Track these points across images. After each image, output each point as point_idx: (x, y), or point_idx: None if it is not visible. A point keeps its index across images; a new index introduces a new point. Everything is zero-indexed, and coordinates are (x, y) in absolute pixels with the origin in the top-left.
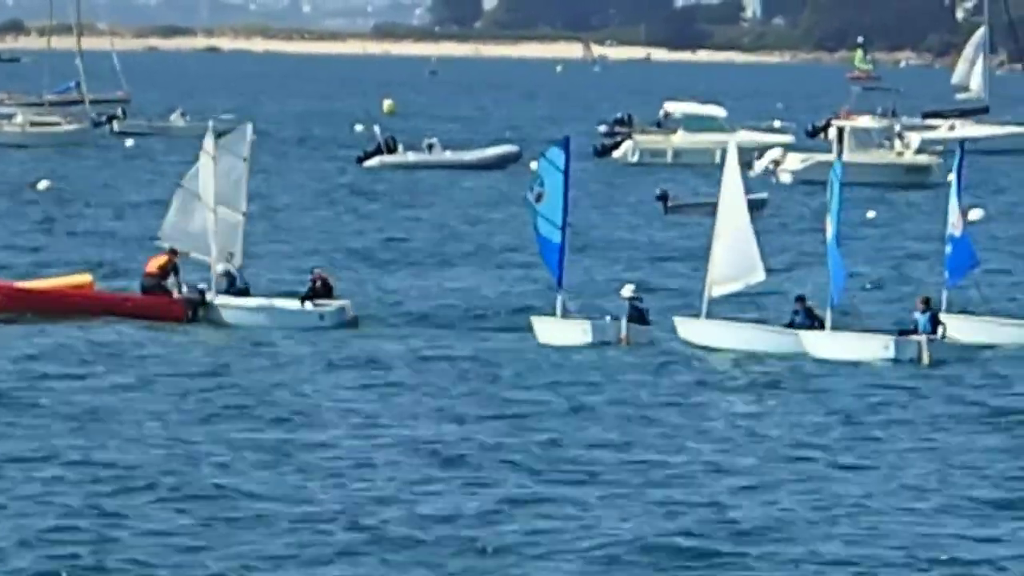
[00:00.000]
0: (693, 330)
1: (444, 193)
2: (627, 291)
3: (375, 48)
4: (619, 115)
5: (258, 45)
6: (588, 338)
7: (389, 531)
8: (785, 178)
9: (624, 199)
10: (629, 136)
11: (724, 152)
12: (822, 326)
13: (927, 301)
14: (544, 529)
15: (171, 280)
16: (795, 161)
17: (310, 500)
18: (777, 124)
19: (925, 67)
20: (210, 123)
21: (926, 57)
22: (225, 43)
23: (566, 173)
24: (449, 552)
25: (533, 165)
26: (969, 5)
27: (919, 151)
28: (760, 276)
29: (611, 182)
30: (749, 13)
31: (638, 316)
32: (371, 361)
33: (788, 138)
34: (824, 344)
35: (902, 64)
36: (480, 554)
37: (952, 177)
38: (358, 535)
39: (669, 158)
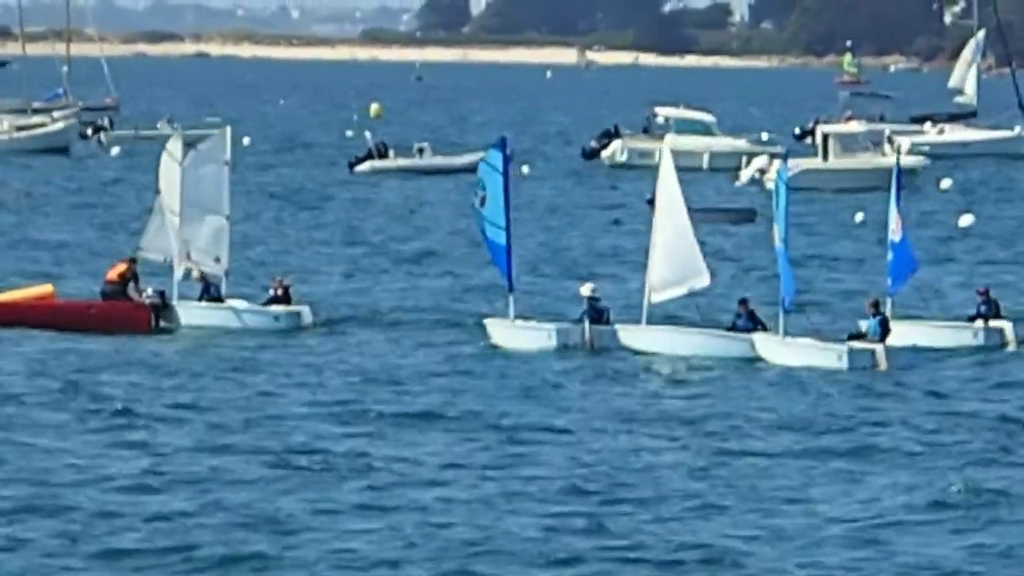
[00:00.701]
0: (634, 337)
1: (432, 197)
2: (586, 289)
3: (363, 53)
4: (607, 128)
5: (246, 51)
6: (552, 343)
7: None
8: (771, 186)
9: (611, 202)
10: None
11: (712, 156)
12: (764, 329)
13: (876, 304)
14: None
15: (131, 287)
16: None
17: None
18: (765, 136)
19: (913, 71)
20: (177, 127)
21: (914, 61)
22: (214, 49)
23: (505, 174)
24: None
25: (525, 170)
26: (957, 9)
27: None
28: (705, 280)
29: (600, 184)
30: (737, 17)
31: (598, 316)
32: (309, 365)
33: (777, 148)
34: (777, 350)
35: (891, 69)
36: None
37: (893, 185)
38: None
39: (656, 159)
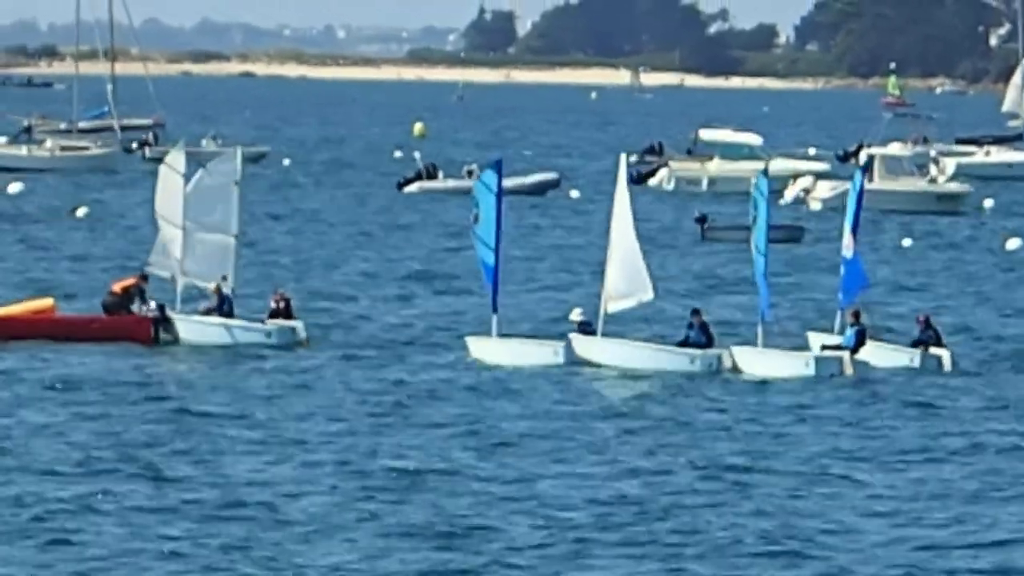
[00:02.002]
0: (588, 349)
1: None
2: (576, 315)
3: (409, 74)
4: (649, 143)
5: (292, 70)
6: (555, 360)
7: None
8: (815, 206)
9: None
10: (664, 164)
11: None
12: (712, 343)
13: (857, 315)
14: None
15: (136, 305)
16: (825, 189)
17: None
18: (812, 151)
19: (958, 93)
20: (181, 143)
21: (959, 84)
22: (260, 68)
23: (499, 195)
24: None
25: (574, 194)
26: (1003, 32)
27: (953, 178)
28: (649, 294)
29: (649, 209)
30: (782, 39)
31: (590, 332)
32: (297, 383)
33: (823, 165)
34: (747, 360)
35: (937, 91)
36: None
37: (850, 200)
38: None
39: (704, 186)
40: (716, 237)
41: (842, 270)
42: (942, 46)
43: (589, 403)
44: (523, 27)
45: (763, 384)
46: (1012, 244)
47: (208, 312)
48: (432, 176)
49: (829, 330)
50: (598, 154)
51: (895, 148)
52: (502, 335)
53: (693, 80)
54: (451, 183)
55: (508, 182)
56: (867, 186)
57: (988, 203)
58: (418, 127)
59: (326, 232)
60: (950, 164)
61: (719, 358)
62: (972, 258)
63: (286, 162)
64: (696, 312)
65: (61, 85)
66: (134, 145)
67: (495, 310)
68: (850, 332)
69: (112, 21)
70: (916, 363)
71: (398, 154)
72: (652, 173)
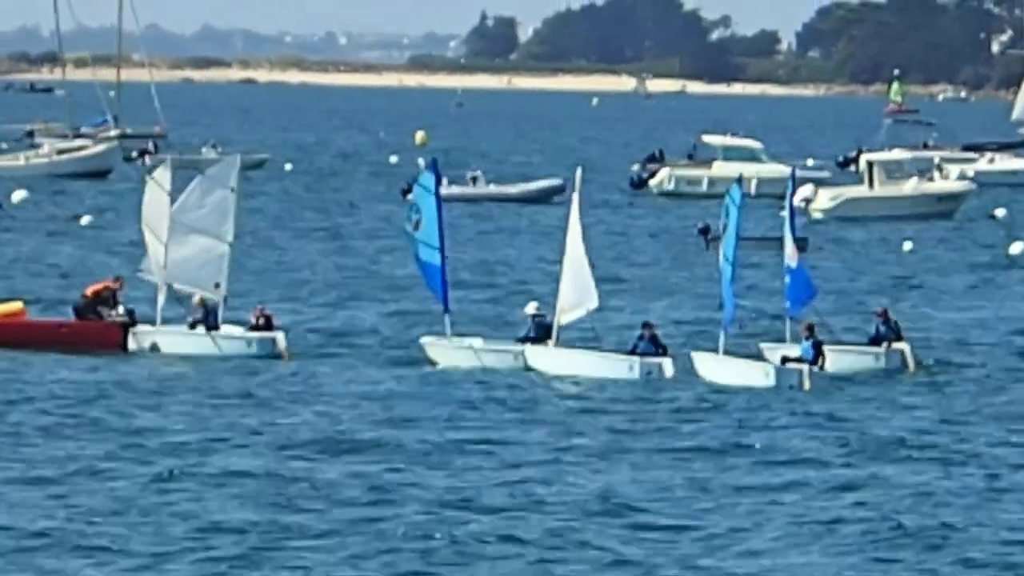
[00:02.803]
0: (541, 358)
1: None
2: (531, 308)
3: (410, 80)
4: (651, 151)
5: (294, 77)
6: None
7: None
8: (817, 214)
9: (661, 231)
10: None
11: (760, 183)
12: (666, 353)
13: (811, 328)
14: None
15: (107, 310)
16: (825, 198)
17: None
18: (811, 163)
19: (960, 100)
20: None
21: (961, 90)
22: (261, 75)
23: (438, 195)
24: None
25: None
26: (1005, 38)
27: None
28: (594, 303)
29: (648, 213)
30: (784, 46)
31: (546, 334)
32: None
33: (823, 173)
34: (712, 367)
35: (939, 98)
36: None
37: (786, 210)
38: None
39: (704, 187)
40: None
41: (786, 279)
42: (944, 53)
43: (532, 408)
44: (525, 33)
45: (720, 392)
46: (1016, 248)
47: (195, 324)
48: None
49: (781, 341)
50: (599, 160)
51: (895, 153)
52: (456, 335)
53: (695, 87)
54: (455, 190)
55: (513, 188)
56: (867, 192)
57: (1000, 212)
58: (420, 135)
59: (323, 239)
60: (954, 171)
61: (660, 366)
62: (975, 261)
63: (288, 167)
64: (647, 325)
65: (63, 91)
66: (134, 154)
67: (447, 310)
68: (806, 345)
69: (121, 27)
70: (881, 363)
71: (394, 159)
72: (652, 176)
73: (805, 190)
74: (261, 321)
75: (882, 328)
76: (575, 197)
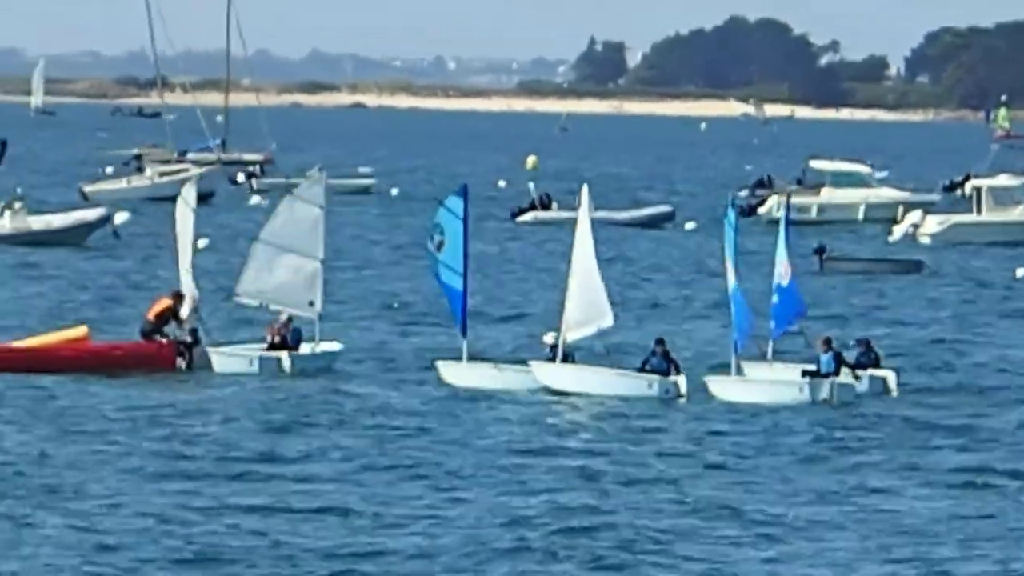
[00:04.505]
0: (549, 375)
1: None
2: (549, 338)
3: (519, 105)
4: (759, 176)
5: (403, 101)
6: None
7: None
8: (924, 240)
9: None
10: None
11: (868, 208)
12: (678, 371)
13: (828, 342)
14: None
15: (170, 327)
16: (933, 223)
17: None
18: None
19: None
20: (196, 174)
21: None
22: (370, 99)
23: (465, 220)
24: None
25: (689, 226)
26: None
27: None
28: (609, 320)
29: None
30: (893, 71)
31: (564, 359)
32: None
33: (933, 196)
34: (734, 388)
35: None
36: None
37: (781, 228)
38: None
39: (814, 214)
40: (835, 268)
41: (775, 298)
42: None
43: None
44: (633, 59)
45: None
46: None
47: (276, 346)
48: (546, 207)
49: (760, 358)
50: (710, 185)
51: (1003, 179)
52: (472, 359)
53: (803, 111)
54: (565, 214)
55: (622, 214)
56: (975, 218)
57: None
58: (531, 160)
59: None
60: None
61: (676, 384)
62: None
63: (394, 191)
64: (660, 342)
65: (171, 116)
66: (240, 177)
67: (464, 334)
68: (826, 358)
69: (228, 52)
70: (864, 387)
71: (502, 184)
72: (763, 203)
73: (913, 215)
74: (277, 339)
75: (862, 358)
76: (583, 215)
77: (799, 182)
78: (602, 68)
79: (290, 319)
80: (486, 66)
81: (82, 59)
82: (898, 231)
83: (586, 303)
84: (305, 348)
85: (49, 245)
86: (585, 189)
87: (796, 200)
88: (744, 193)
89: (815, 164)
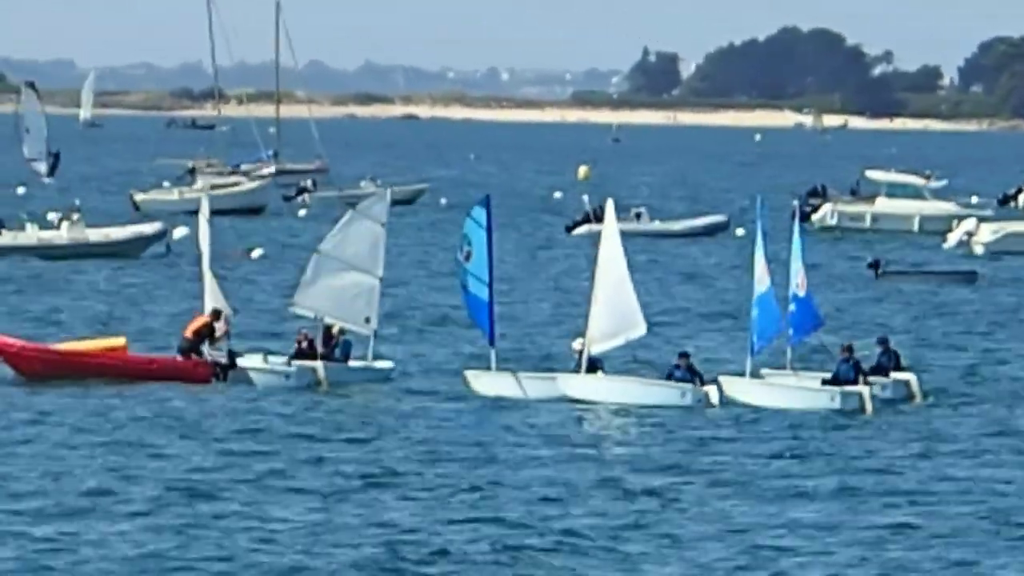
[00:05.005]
0: (570, 385)
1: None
2: (577, 344)
3: (572, 115)
4: (813, 186)
5: (456, 112)
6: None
7: None
8: (978, 249)
9: (829, 265)
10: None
11: (923, 220)
12: (703, 382)
13: (850, 349)
14: None
15: (205, 344)
16: (987, 232)
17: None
18: (975, 200)
19: None
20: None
21: None
22: (423, 111)
23: (489, 230)
24: None
25: (739, 232)
26: None
27: None
28: (641, 330)
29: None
30: (946, 81)
31: (591, 367)
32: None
33: (987, 212)
34: (758, 393)
35: None
36: None
37: (796, 237)
38: None
39: (867, 223)
40: (890, 280)
41: (792, 307)
42: None
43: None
44: (687, 69)
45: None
46: None
47: (325, 356)
48: (600, 219)
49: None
50: (762, 194)
51: None
52: (501, 369)
53: (857, 122)
54: (620, 226)
55: (677, 225)
56: None
57: None
58: (583, 170)
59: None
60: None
61: (707, 395)
62: None
63: (443, 201)
64: (684, 355)
65: (225, 127)
66: (294, 191)
67: (492, 344)
68: (846, 366)
69: (278, 64)
70: (888, 392)
71: (558, 195)
72: (814, 212)
73: (967, 223)
74: (304, 345)
75: (883, 359)
76: (609, 223)
77: (853, 192)
78: (655, 79)
79: (342, 330)
80: (539, 77)
81: (136, 71)
82: (952, 239)
83: (616, 314)
84: (358, 363)
85: (105, 257)
86: (611, 202)
87: (850, 210)
88: (796, 202)
89: (870, 175)
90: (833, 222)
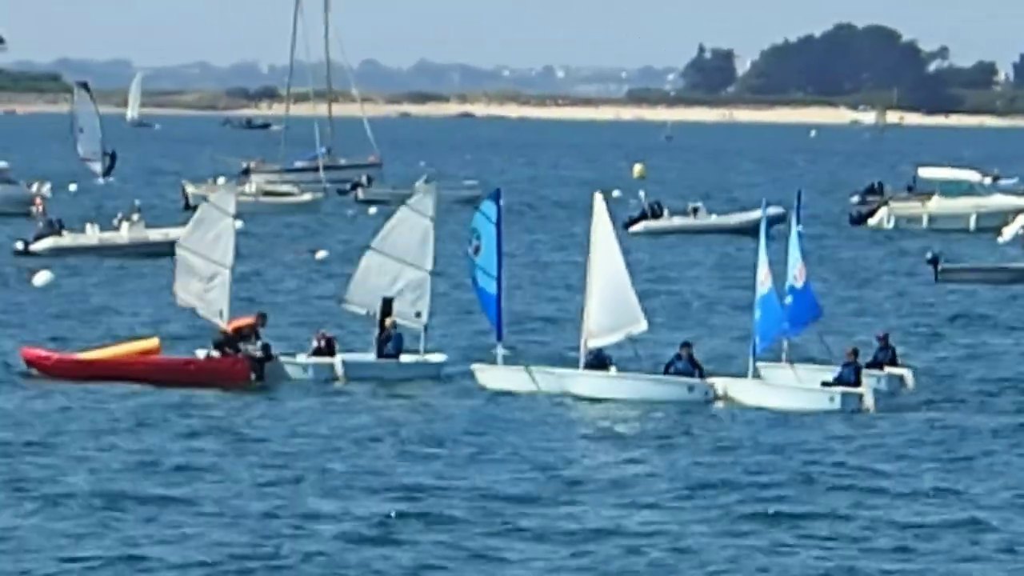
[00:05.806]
0: (571, 382)
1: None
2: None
3: (627, 114)
4: (870, 183)
5: (512, 111)
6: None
7: None
8: None
9: (888, 265)
10: (885, 204)
11: (979, 217)
12: (703, 375)
13: (855, 352)
14: None
15: (248, 345)
16: None
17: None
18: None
19: None
20: (228, 183)
21: None
22: (479, 109)
23: (498, 225)
24: None
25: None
26: None
27: None
28: (642, 326)
29: (868, 249)
30: (1002, 77)
31: (601, 364)
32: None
33: None
34: (757, 393)
35: None
36: None
37: (794, 229)
38: None
39: (924, 223)
40: (951, 278)
41: (789, 299)
42: None
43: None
44: (742, 66)
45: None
46: None
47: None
48: (657, 215)
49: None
50: (817, 191)
51: None
52: (507, 363)
53: (912, 118)
54: (677, 221)
55: (733, 219)
56: None
57: None
58: (638, 168)
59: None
60: None
61: (712, 387)
62: None
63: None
64: (686, 345)
65: (279, 127)
66: (348, 186)
67: (500, 338)
68: (847, 370)
69: (328, 63)
70: (882, 385)
71: (616, 193)
72: (872, 213)
73: (1022, 219)
74: (323, 344)
75: (880, 354)
76: (602, 217)
77: (909, 189)
78: (711, 76)
79: (394, 324)
80: (595, 75)
81: (191, 71)
82: (1008, 232)
83: (615, 309)
84: (410, 358)
85: (165, 256)
86: (599, 196)
87: (906, 212)
88: (855, 199)
89: (925, 172)
90: (891, 225)
